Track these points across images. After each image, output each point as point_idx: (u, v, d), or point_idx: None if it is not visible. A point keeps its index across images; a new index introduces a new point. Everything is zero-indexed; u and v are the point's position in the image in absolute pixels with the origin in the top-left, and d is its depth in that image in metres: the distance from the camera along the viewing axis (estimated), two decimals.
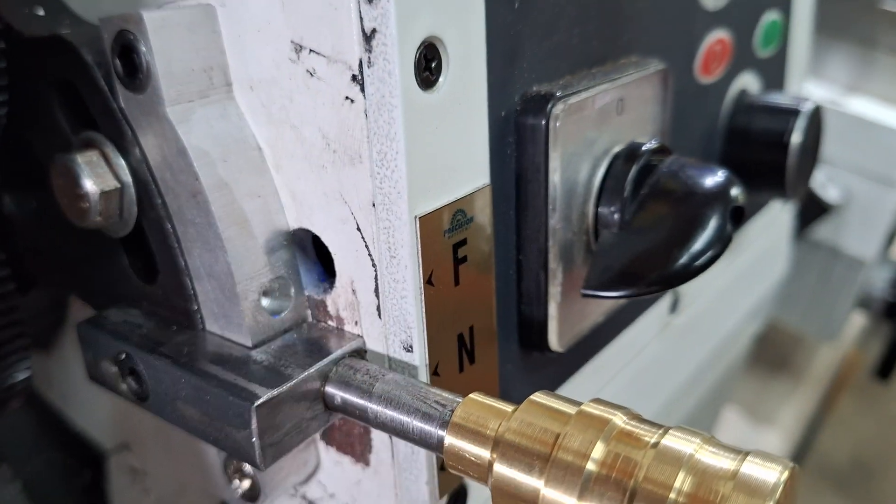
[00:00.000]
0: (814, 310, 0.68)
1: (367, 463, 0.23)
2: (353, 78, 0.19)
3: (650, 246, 0.24)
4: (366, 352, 0.21)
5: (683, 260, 0.24)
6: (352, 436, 0.23)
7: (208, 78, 0.21)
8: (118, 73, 0.20)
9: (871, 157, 0.59)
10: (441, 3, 0.19)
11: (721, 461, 0.15)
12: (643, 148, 0.25)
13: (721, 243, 0.23)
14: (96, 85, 0.21)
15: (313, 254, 0.22)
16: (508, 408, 0.18)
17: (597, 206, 0.25)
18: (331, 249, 0.21)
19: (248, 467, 0.23)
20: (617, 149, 0.25)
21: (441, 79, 0.19)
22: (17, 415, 0.34)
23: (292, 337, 0.22)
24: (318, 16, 0.19)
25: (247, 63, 0.21)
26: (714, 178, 0.25)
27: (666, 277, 0.24)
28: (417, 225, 0.20)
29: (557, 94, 0.22)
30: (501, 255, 0.23)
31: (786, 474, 0.15)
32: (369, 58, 0.18)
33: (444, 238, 0.21)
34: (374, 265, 0.20)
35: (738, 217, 0.24)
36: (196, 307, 0.22)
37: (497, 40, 0.21)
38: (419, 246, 0.20)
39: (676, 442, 0.16)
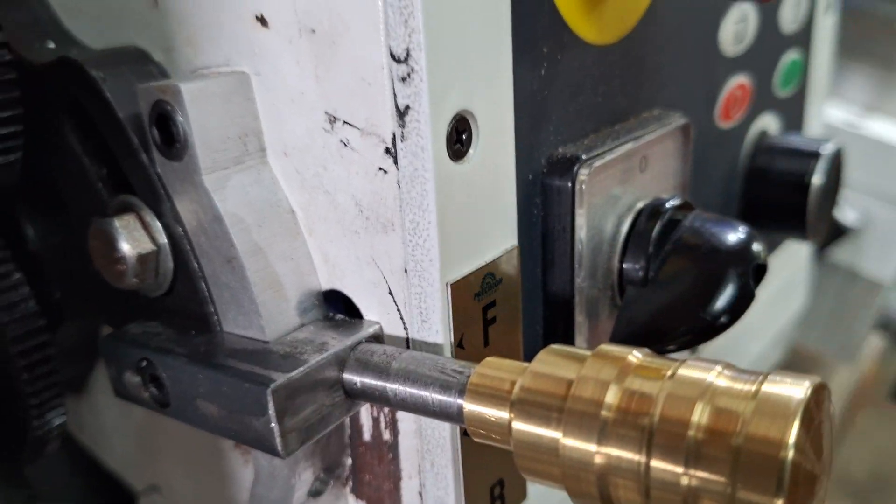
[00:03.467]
0: (832, 331, 0.69)
1: None
2: (387, 150, 0.19)
3: (674, 302, 0.24)
4: (383, 336, 0.22)
5: (708, 318, 0.24)
6: (381, 491, 0.23)
7: (243, 144, 0.21)
8: (155, 142, 0.21)
9: (889, 179, 0.59)
10: (471, 78, 0.19)
11: (740, 385, 0.15)
12: (666, 205, 0.25)
13: (744, 301, 0.24)
14: (132, 148, 0.22)
15: (344, 312, 0.23)
16: (523, 365, 0.18)
17: (621, 262, 0.25)
18: (362, 311, 0.22)
19: None
20: (640, 205, 0.26)
21: (471, 150, 0.20)
22: (51, 457, 0.35)
23: (310, 329, 0.22)
24: (351, 90, 0.19)
25: (281, 130, 0.21)
26: (736, 235, 0.25)
27: (691, 335, 0.24)
28: (449, 291, 0.20)
29: (582, 157, 0.23)
30: (528, 312, 0.24)
31: (810, 391, 0.15)
32: (402, 132, 0.19)
33: (475, 301, 0.21)
34: (405, 328, 0.21)
35: (759, 274, 0.24)
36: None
37: (524, 108, 0.22)
38: (450, 311, 0.20)
39: (692, 371, 0.16)
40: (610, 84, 0.25)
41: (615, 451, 0.15)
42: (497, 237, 0.22)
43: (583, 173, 0.23)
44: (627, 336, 0.24)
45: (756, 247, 0.25)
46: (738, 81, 0.33)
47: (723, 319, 0.24)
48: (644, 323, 0.25)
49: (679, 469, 0.15)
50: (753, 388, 0.15)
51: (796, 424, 0.14)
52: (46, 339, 0.27)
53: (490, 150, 0.21)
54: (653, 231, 0.25)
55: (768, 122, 0.36)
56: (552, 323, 0.24)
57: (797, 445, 0.14)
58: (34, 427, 0.28)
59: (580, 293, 0.24)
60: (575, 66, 0.23)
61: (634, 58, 0.26)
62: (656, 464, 0.15)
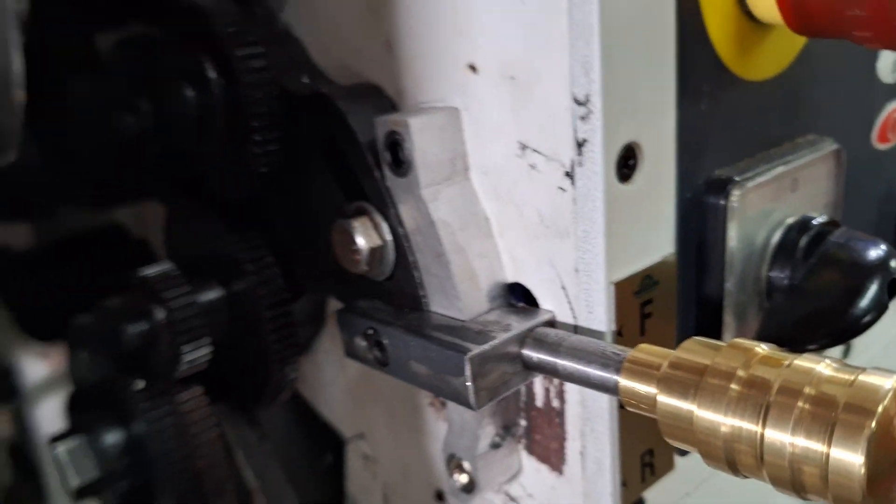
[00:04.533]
0: None
1: (561, 473, 0.28)
2: (566, 174, 0.24)
3: (817, 308, 0.28)
4: (555, 323, 0.27)
5: (846, 324, 0.27)
6: (549, 449, 0.29)
7: (452, 165, 0.27)
8: (387, 162, 0.27)
9: None
10: (639, 115, 0.24)
11: (841, 375, 0.19)
12: (813, 221, 0.29)
13: (878, 310, 0.27)
14: (368, 166, 0.28)
15: (523, 300, 0.28)
16: (670, 351, 0.22)
17: (769, 270, 0.29)
18: (539, 301, 0.27)
19: (467, 464, 0.29)
20: (790, 221, 0.29)
21: (636, 174, 0.24)
22: (279, 405, 0.42)
23: (497, 313, 0.27)
24: (540, 125, 0.24)
25: (482, 155, 0.27)
26: (877, 251, 0.28)
27: (829, 338, 0.27)
28: (613, 289, 0.25)
29: (736, 179, 0.27)
30: (683, 310, 0.28)
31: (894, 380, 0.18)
32: (580, 160, 0.24)
33: (634, 298, 0.25)
34: (574, 317, 0.26)
35: (894, 288, 0.27)
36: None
37: (686, 138, 0.26)
38: (613, 305, 0.25)
39: (804, 362, 0.20)
40: (766, 115, 0.29)
41: (737, 423, 0.20)
42: (656, 245, 0.26)
43: (735, 193, 0.26)
44: (772, 336, 0.28)
45: (894, 263, 0.28)
46: None
47: (860, 324, 0.27)
48: (789, 325, 0.28)
49: (787, 439, 0.19)
50: (852, 377, 0.19)
51: (883, 404, 0.18)
52: (290, 308, 0.34)
53: (653, 173, 0.25)
54: (799, 244, 0.28)
55: None
56: (703, 321, 0.28)
57: (881, 422, 0.18)
58: (275, 378, 0.35)
59: (729, 296, 0.27)
60: (733, 100, 0.27)
61: (790, 91, 0.29)
62: (769, 434, 0.19)
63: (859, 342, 0.38)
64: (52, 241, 0.57)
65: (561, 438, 0.28)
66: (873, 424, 0.18)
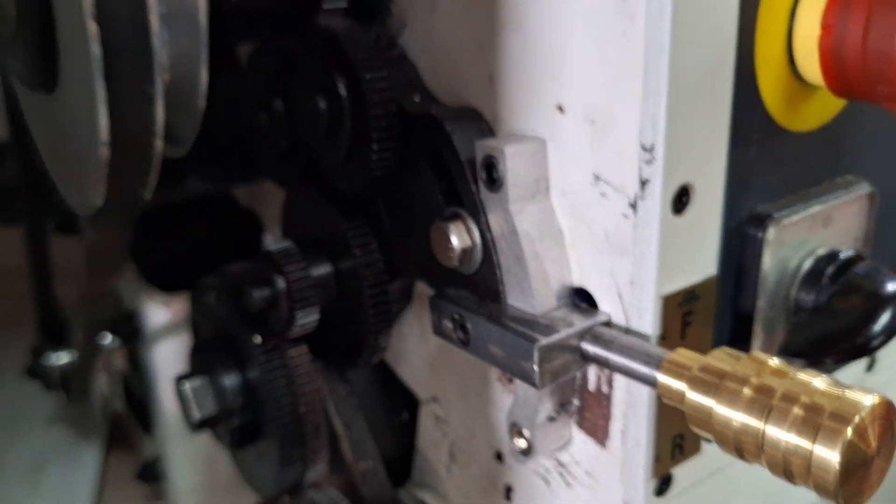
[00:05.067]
0: None
1: (604, 446, 0.34)
2: (630, 205, 0.30)
3: (835, 329, 0.33)
4: (611, 324, 0.32)
5: (859, 344, 0.32)
6: (596, 426, 0.34)
7: (536, 186, 0.32)
8: (482, 179, 0.33)
9: None
10: (695, 161, 0.29)
11: (832, 389, 0.24)
12: (841, 254, 0.33)
13: (887, 335, 0.32)
14: (466, 179, 0.34)
15: (586, 302, 0.34)
16: (700, 357, 0.28)
17: (797, 292, 0.34)
18: (599, 305, 0.32)
19: (526, 432, 0.35)
20: (820, 251, 0.34)
21: (689, 208, 0.30)
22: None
23: (563, 311, 0.33)
24: (612, 162, 0.30)
25: (562, 179, 0.32)
26: (894, 285, 0.32)
27: (844, 354, 0.32)
28: (661, 301, 0.30)
29: (774, 215, 0.32)
30: (720, 321, 0.33)
31: (875, 400, 0.23)
32: (642, 195, 0.29)
33: (678, 308, 0.31)
34: (626, 320, 0.31)
35: None
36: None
37: (734, 178, 0.31)
38: (660, 314, 0.30)
39: (804, 376, 0.25)
40: (808, 160, 0.33)
41: (746, 419, 0.25)
42: (700, 266, 0.31)
43: (772, 227, 0.31)
44: (795, 349, 0.33)
45: None
46: None
47: (870, 346, 0.32)
48: (810, 341, 0.33)
49: (783, 436, 0.24)
50: (840, 392, 0.24)
51: (860, 415, 0.23)
52: (387, 287, 0.40)
53: (703, 208, 0.30)
54: (826, 272, 0.33)
55: None
56: (737, 331, 0.33)
57: (856, 430, 0.23)
58: (370, 344, 0.42)
59: (760, 312, 0.33)
60: (778, 148, 0.32)
61: (832, 139, 0.34)
62: (769, 430, 0.24)
63: (885, 357, 0.43)
64: (173, 204, 0.64)
65: (607, 418, 0.34)
66: (850, 431, 0.23)
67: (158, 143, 0.30)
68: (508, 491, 0.41)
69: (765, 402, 0.25)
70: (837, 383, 0.25)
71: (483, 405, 0.41)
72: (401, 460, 0.50)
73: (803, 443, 0.24)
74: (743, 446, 0.25)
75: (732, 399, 0.26)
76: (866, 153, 0.36)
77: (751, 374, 0.26)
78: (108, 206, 0.33)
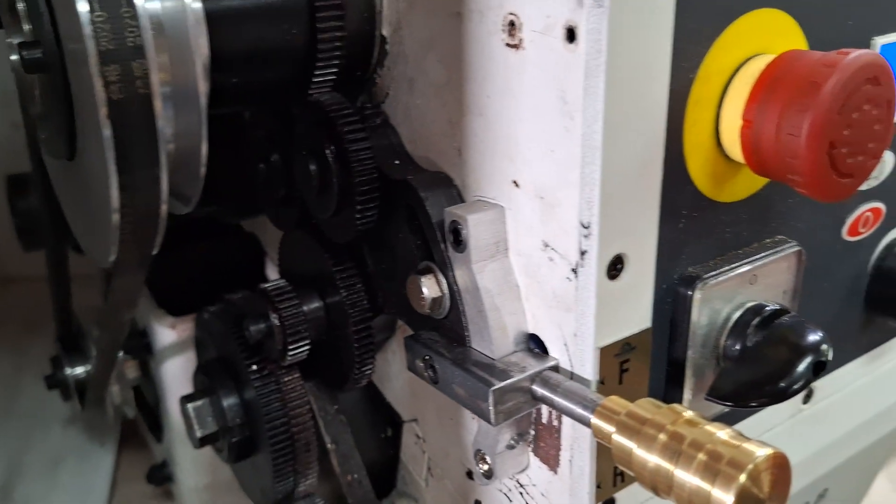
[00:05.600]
0: None
1: (555, 472, 0.39)
2: (572, 270, 0.34)
3: (758, 375, 0.37)
4: (558, 368, 0.37)
5: (778, 390, 0.37)
6: (549, 454, 0.39)
7: (496, 247, 0.37)
8: (450, 241, 0.37)
9: None
10: (627, 235, 0.34)
11: (733, 440, 0.28)
12: (766, 308, 0.38)
13: (803, 383, 0.36)
14: (436, 239, 0.38)
15: (538, 347, 0.38)
16: (629, 404, 0.32)
17: (725, 341, 0.38)
18: (549, 350, 0.37)
19: (488, 458, 0.40)
20: (748, 304, 0.38)
21: (623, 274, 0.34)
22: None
23: (518, 355, 0.38)
24: (557, 234, 0.34)
25: (517, 243, 0.37)
26: (813, 337, 0.37)
27: (766, 399, 0.37)
28: (598, 352, 0.35)
29: (702, 276, 0.36)
30: (655, 367, 0.38)
31: (769, 451, 0.28)
32: (581, 262, 0.34)
33: (614, 358, 0.36)
34: (571, 366, 0.36)
35: (819, 368, 0.36)
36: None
37: (665, 247, 0.35)
38: (598, 363, 0.35)
39: (711, 427, 0.29)
40: (737, 226, 0.38)
41: (659, 461, 0.30)
42: (635, 321, 0.36)
43: (699, 288, 0.36)
44: (721, 393, 0.38)
45: (824, 347, 0.37)
46: (870, 206, 0.44)
47: (788, 392, 0.37)
48: (736, 386, 0.38)
49: (688, 478, 0.29)
50: (739, 443, 0.29)
51: (753, 464, 0.28)
52: (370, 323, 0.45)
53: (636, 273, 0.35)
54: (750, 324, 0.38)
55: None
56: (670, 377, 0.38)
57: (750, 476, 0.27)
58: (357, 372, 0.47)
59: (690, 360, 0.37)
60: (708, 219, 0.37)
61: (762, 205, 0.39)
62: (678, 473, 0.29)
63: (820, 390, 0.48)
64: (182, 226, 0.69)
65: (557, 448, 0.39)
66: (743, 477, 0.28)
67: (164, 208, 0.35)
68: None
69: (676, 448, 0.30)
70: (739, 435, 0.29)
71: (456, 428, 0.46)
72: (386, 472, 0.56)
73: (704, 485, 0.28)
74: (657, 485, 0.30)
75: (649, 443, 0.30)
76: (795, 214, 0.41)
77: (667, 423, 0.30)
78: (122, 259, 0.38)
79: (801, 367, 0.37)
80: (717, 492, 0.28)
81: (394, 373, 0.51)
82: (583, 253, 0.34)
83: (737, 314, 0.38)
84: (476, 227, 0.36)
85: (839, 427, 0.51)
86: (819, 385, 0.47)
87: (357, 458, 0.53)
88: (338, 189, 0.40)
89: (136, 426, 0.80)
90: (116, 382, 0.67)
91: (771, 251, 0.39)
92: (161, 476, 0.70)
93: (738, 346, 0.38)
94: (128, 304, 0.44)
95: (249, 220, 0.64)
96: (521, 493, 0.42)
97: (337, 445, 0.53)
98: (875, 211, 0.44)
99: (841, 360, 0.48)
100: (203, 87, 0.36)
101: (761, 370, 0.37)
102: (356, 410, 0.55)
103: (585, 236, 0.33)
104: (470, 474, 0.46)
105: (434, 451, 0.50)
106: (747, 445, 0.29)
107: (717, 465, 0.28)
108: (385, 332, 0.49)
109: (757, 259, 0.38)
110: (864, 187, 0.43)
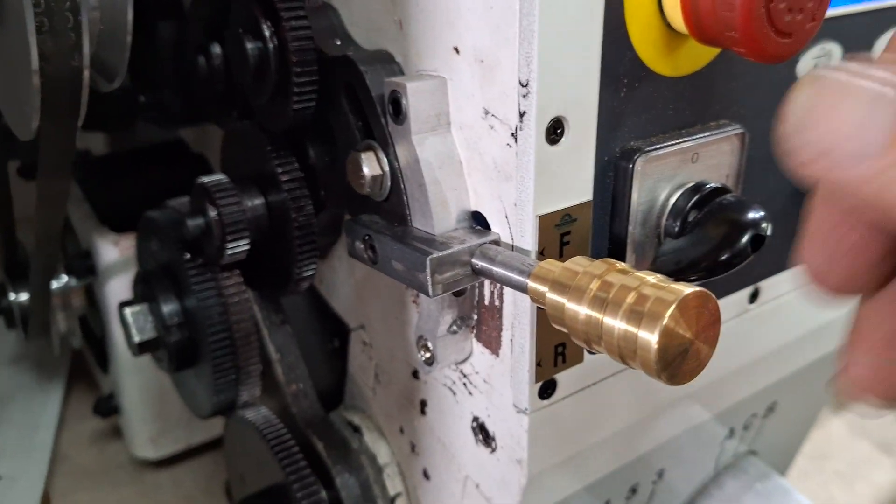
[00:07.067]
0: None
1: (497, 355, 0.39)
2: (512, 135, 0.34)
3: (698, 252, 0.37)
4: (499, 242, 0.36)
5: (717, 264, 0.36)
6: (491, 337, 0.39)
7: (437, 120, 0.36)
8: (390, 113, 0.36)
9: None
10: (566, 98, 0.33)
11: (660, 282, 0.28)
12: (706, 186, 0.38)
13: (741, 258, 0.36)
14: (377, 114, 0.37)
15: (480, 224, 0.38)
16: (562, 264, 0.31)
17: (666, 220, 0.38)
18: (491, 226, 0.37)
19: (430, 343, 0.40)
20: (689, 184, 0.38)
21: (563, 139, 0.34)
22: (300, 297, 0.53)
23: (460, 231, 0.37)
24: (497, 98, 0.34)
25: (459, 114, 0.36)
26: (751, 213, 0.37)
27: (705, 272, 0.37)
28: (538, 220, 0.34)
29: (644, 149, 0.36)
30: (596, 244, 0.37)
31: (693, 289, 0.27)
32: (521, 125, 0.33)
33: (554, 229, 0.35)
34: (511, 238, 0.36)
35: (758, 243, 0.36)
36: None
37: (605, 116, 0.35)
38: (537, 231, 0.35)
39: (640, 273, 0.29)
40: (680, 103, 0.38)
41: (589, 312, 0.29)
42: (576, 192, 0.35)
43: (640, 160, 0.36)
44: (661, 269, 0.37)
45: (763, 224, 0.37)
46: None
47: (728, 266, 0.36)
48: (674, 262, 0.37)
49: (616, 324, 0.28)
50: (666, 285, 0.28)
51: (677, 303, 0.27)
52: (313, 220, 0.44)
53: (576, 141, 0.34)
54: (690, 201, 0.38)
55: None
56: (612, 254, 0.38)
57: (673, 314, 0.27)
58: (297, 273, 0.46)
59: (631, 237, 0.37)
60: (649, 91, 0.36)
61: (705, 85, 0.38)
62: (606, 320, 0.29)
63: (768, 289, 0.48)
64: (127, 149, 0.68)
65: (499, 329, 0.38)
66: (667, 316, 0.27)
67: (86, 74, 0.34)
68: (423, 405, 0.46)
69: (604, 297, 0.29)
70: (666, 279, 0.29)
71: (401, 327, 0.45)
72: (334, 387, 0.55)
73: (631, 328, 0.28)
74: (589, 336, 0.30)
75: (580, 295, 0.30)
76: (739, 99, 0.40)
77: (598, 273, 0.30)
78: (46, 132, 0.36)
79: (742, 241, 0.36)
80: (643, 333, 0.28)
81: (340, 280, 0.51)
82: (522, 114, 0.33)
83: (678, 192, 0.38)
84: (415, 95, 0.36)
85: (785, 333, 0.51)
86: (765, 286, 0.47)
87: (303, 369, 0.52)
88: (275, 69, 0.39)
89: (85, 363, 0.78)
90: (61, 310, 0.66)
91: (714, 132, 0.39)
92: (108, 408, 0.69)
93: (678, 223, 0.38)
94: (58, 199, 0.43)
95: (196, 134, 0.63)
96: (464, 385, 0.42)
97: (282, 355, 0.52)
98: None
99: (787, 262, 0.48)
100: None
101: (701, 245, 0.37)
102: (303, 321, 0.54)
103: (524, 96, 0.33)
104: (416, 374, 0.46)
105: (381, 356, 0.49)
106: (673, 286, 0.28)
107: (642, 308, 0.28)
108: (329, 234, 0.49)
109: (699, 137, 0.38)
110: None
